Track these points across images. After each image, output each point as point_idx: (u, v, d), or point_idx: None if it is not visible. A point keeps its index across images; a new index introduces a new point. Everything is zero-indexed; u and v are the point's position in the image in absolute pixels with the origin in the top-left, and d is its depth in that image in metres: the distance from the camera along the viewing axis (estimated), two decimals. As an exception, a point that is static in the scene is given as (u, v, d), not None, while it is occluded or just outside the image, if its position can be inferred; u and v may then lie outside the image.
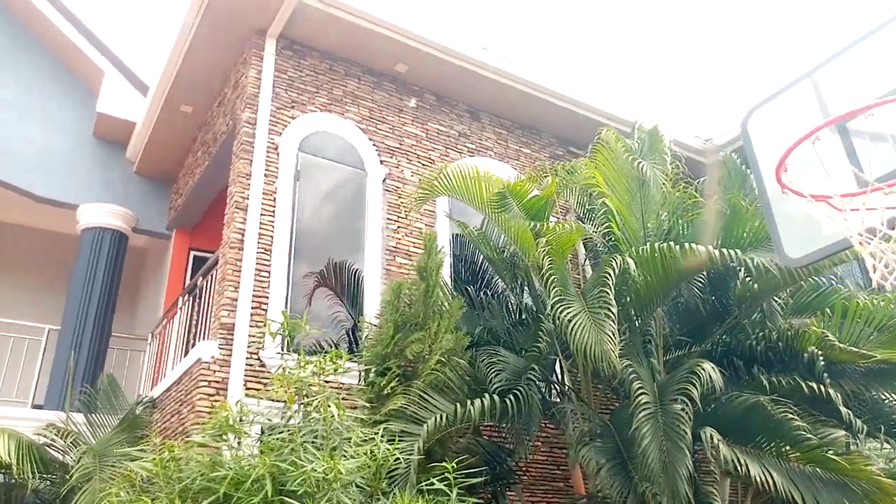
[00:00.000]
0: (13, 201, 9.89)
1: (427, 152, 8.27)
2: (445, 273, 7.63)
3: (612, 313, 4.53)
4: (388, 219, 7.62)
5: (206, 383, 5.97)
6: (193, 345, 7.46)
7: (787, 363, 5.36)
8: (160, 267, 10.39)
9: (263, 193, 6.87)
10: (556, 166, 7.60)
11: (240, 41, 7.72)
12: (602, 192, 5.62)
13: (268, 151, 7.07)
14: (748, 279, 5.47)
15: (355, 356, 6.28)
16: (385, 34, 7.76)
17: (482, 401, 4.71)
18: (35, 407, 8.52)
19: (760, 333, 5.51)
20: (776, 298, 5.77)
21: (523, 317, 6.49)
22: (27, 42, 9.92)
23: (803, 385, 5.00)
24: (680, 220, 5.69)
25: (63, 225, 10.52)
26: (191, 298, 7.84)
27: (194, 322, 7.53)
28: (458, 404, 4.63)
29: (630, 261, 4.84)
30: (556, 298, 4.79)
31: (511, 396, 4.82)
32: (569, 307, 4.72)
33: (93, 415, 7.38)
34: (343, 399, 6.14)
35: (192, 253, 10.23)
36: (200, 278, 7.61)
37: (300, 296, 6.81)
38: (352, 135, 7.78)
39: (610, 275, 4.72)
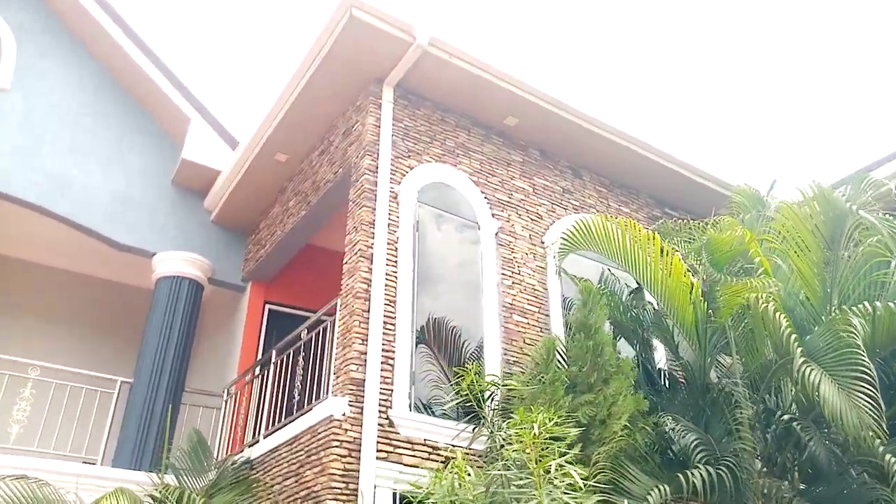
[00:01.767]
0: (88, 251, 9.60)
1: (535, 207, 8.02)
2: (560, 333, 7.28)
3: (871, 377, 4.14)
4: (503, 274, 7.29)
5: (337, 443, 5.50)
6: (300, 403, 7.02)
7: None
8: (231, 320, 9.97)
9: (388, 243, 6.56)
10: (678, 225, 7.31)
11: (353, 89, 7.57)
12: (776, 248, 5.32)
13: (389, 200, 6.80)
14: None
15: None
16: (499, 85, 7.62)
17: (701, 474, 4.27)
18: (110, 465, 7.95)
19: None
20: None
21: (668, 380, 6.08)
22: (110, 86, 9.80)
23: None
24: (864, 281, 5.36)
25: (134, 277, 10.21)
26: (286, 355, 7.42)
27: (299, 378, 7.10)
28: (681, 476, 4.19)
29: (856, 321, 4.50)
30: (803, 361, 4.38)
31: (722, 469, 4.38)
32: (811, 368, 4.33)
33: (187, 477, 6.85)
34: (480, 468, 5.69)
35: (268, 306, 9.85)
36: (305, 332, 7.21)
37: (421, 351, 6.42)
38: (465, 187, 7.54)
39: (857, 332, 4.36)
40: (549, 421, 3.57)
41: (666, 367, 7.11)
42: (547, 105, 7.94)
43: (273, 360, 7.62)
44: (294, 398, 7.02)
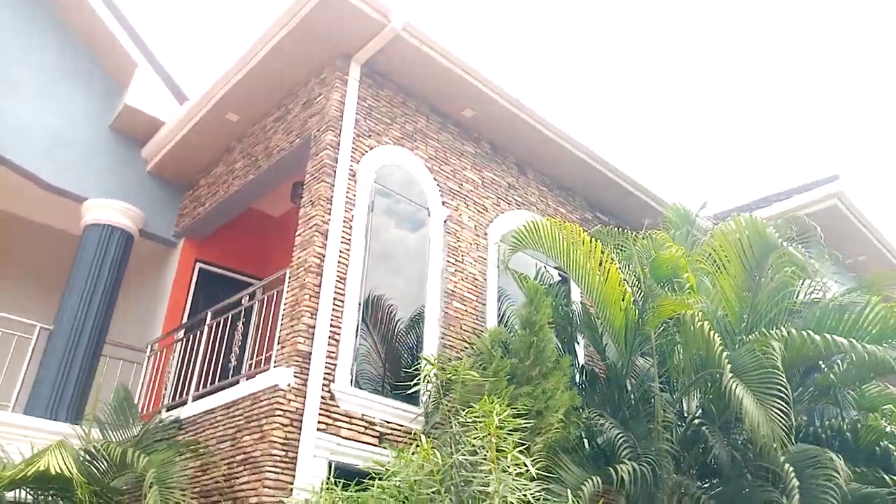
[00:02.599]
0: (18, 190, 9.14)
1: (482, 199, 8.32)
2: (493, 323, 7.66)
3: (786, 395, 4.71)
4: (447, 261, 7.57)
5: (281, 412, 5.65)
6: (236, 368, 7.08)
7: (854, 452, 5.70)
8: (159, 275, 9.78)
9: (343, 220, 6.69)
10: (611, 233, 7.80)
11: (319, 61, 7.57)
12: (704, 269, 5.85)
13: (348, 178, 6.91)
14: (829, 370, 5.81)
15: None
16: (462, 76, 7.82)
17: (628, 469, 4.72)
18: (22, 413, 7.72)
19: (827, 422, 5.84)
20: (850, 391, 6.16)
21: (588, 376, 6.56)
22: (54, 23, 9.32)
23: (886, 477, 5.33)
24: (776, 308, 5.99)
25: (62, 221, 9.82)
26: (222, 318, 7.42)
27: (237, 343, 7.14)
28: (611, 469, 4.62)
29: (775, 344, 5.07)
30: (731, 377, 4.89)
31: (645, 465, 4.86)
32: (737, 383, 4.85)
33: (111, 431, 6.79)
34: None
35: (199, 265, 9.72)
36: (247, 298, 7.25)
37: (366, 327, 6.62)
38: (419, 172, 7.74)
39: (776, 353, 4.91)
40: (503, 413, 3.88)
41: (584, 364, 7.64)
42: (503, 101, 8.22)
43: (208, 321, 7.59)
44: (230, 363, 7.05)
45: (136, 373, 8.76)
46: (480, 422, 3.74)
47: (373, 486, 3.91)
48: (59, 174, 8.86)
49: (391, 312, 7.10)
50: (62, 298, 8.52)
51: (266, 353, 6.72)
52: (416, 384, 6.37)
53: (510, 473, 3.68)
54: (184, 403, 7.21)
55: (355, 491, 3.93)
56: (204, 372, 7.36)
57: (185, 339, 8.15)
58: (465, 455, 3.64)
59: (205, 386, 7.17)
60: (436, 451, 3.69)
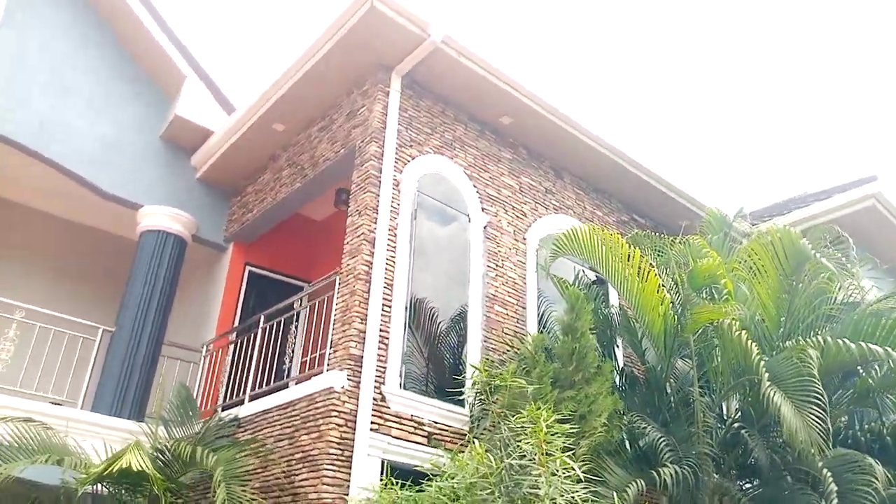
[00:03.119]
0: (74, 196, 9.65)
1: (520, 205, 8.56)
2: (534, 326, 7.92)
3: (823, 402, 4.92)
4: (488, 266, 7.84)
5: (336, 413, 5.99)
6: (289, 371, 7.45)
7: (894, 456, 5.84)
8: (210, 278, 10.22)
9: (389, 228, 6.99)
10: (649, 238, 7.98)
11: (362, 73, 7.87)
12: (742, 276, 6.04)
13: (392, 187, 7.21)
14: (868, 375, 5.97)
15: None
16: (499, 85, 8.05)
17: (671, 472, 4.97)
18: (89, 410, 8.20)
19: (867, 426, 6.00)
20: (889, 395, 6.30)
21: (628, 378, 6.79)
22: (107, 37, 9.76)
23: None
24: (813, 314, 6.15)
25: (117, 226, 10.35)
26: (280, 322, 7.79)
27: (290, 346, 7.51)
28: (655, 473, 4.87)
29: (812, 352, 5.25)
30: (769, 385, 5.11)
31: (687, 469, 5.10)
32: (775, 391, 5.06)
33: (174, 429, 7.22)
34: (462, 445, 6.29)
35: (248, 268, 10.15)
36: (298, 302, 7.61)
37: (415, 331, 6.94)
38: (459, 179, 8.00)
39: (812, 362, 5.11)
40: (550, 419, 4.15)
41: (624, 366, 7.86)
42: (539, 108, 8.43)
43: (261, 324, 7.98)
44: (284, 364, 7.43)
45: (192, 372, 9.22)
46: (529, 427, 4.02)
47: (428, 486, 4.21)
48: (115, 183, 9.31)
49: (433, 315, 7.39)
50: (122, 301, 9.00)
51: (319, 351, 7.07)
52: (462, 388, 6.74)
53: (559, 476, 3.95)
54: (240, 403, 7.61)
55: (413, 491, 4.24)
56: (260, 372, 7.77)
57: (238, 341, 8.57)
58: (515, 459, 3.91)
59: (260, 386, 7.57)
60: (489, 454, 3.97)
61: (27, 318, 8.21)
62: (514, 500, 3.90)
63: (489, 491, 3.87)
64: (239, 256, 10.05)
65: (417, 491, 4.22)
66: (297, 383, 6.67)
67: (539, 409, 4.24)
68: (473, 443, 4.13)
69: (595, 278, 8.51)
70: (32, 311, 8.27)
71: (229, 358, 8.67)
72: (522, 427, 4.26)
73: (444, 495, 3.94)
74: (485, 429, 6.04)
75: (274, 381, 7.36)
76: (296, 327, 7.72)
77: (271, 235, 10.16)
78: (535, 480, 3.94)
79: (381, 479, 4.63)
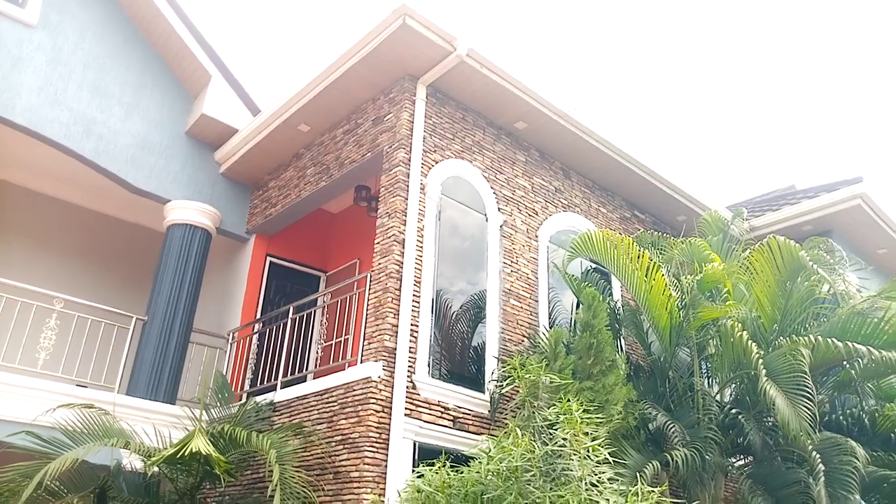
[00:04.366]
0: (106, 190, 10.11)
1: (533, 204, 9.15)
2: (545, 318, 8.55)
3: (812, 395, 5.59)
4: (504, 262, 8.43)
5: (374, 401, 6.60)
6: (317, 361, 8.02)
7: (871, 438, 6.58)
8: (233, 268, 10.73)
9: (417, 230, 7.55)
10: (653, 237, 8.61)
11: (388, 81, 8.38)
12: (741, 279, 6.69)
13: (419, 191, 7.76)
14: (851, 367, 6.68)
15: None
16: (515, 93, 8.59)
17: (682, 454, 5.64)
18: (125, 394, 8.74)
19: (848, 411, 6.71)
20: (869, 384, 7.01)
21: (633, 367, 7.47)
22: (136, 38, 10.15)
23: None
24: (804, 313, 6.83)
25: (145, 218, 10.84)
26: (307, 314, 8.35)
27: (322, 336, 8.08)
28: (669, 455, 5.53)
29: (804, 350, 5.93)
30: (766, 380, 5.78)
31: (695, 451, 5.78)
32: (772, 385, 5.73)
33: (213, 413, 7.79)
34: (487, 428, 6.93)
35: (269, 259, 10.67)
36: (328, 297, 8.17)
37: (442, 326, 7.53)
38: (477, 182, 8.56)
39: (804, 358, 5.77)
40: (579, 410, 4.78)
41: (627, 354, 8.52)
42: (551, 114, 8.98)
43: (291, 315, 8.54)
44: (316, 353, 8.00)
45: (218, 358, 9.78)
46: (563, 416, 4.65)
47: (471, 468, 4.82)
48: (146, 178, 9.78)
49: (455, 308, 7.97)
50: (153, 291, 9.50)
51: (342, 337, 7.66)
52: (482, 375, 7.36)
53: (591, 460, 4.59)
54: (271, 389, 8.19)
55: (457, 473, 4.84)
56: (290, 359, 8.35)
57: (264, 329, 9.14)
58: (553, 445, 4.54)
59: (291, 373, 8.16)
60: (532, 442, 4.59)
61: (65, 309, 8.70)
62: (553, 479, 4.52)
63: (532, 473, 4.48)
64: (261, 248, 10.57)
65: (459, 473, 4.83)
66: (334, 372, 7.25)
67: (569, 401, 4.85)
68: (516, 430, 4.74)
69: (592, 268, 9.14)
70: (70, 301, 8.76)
71: (254, 345, 9.24)
72: (556, 416, 4.89)
73: (493, 476, 4.55)
74: (510, 412, 6.67)
75: (302, 370, 7.94)
76: (326, 319, 8.29)
77: (290, 227, 10.67)
78: (568, 463, 4.57)
79: (418, 462, 5.21)
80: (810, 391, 5.70)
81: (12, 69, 8.90)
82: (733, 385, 7.13)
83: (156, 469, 6.54)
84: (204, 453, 5.49)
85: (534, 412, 5.11)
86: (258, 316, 10.01)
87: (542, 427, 4.96)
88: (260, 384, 8.79)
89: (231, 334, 9.77)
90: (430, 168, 8.06)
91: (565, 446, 4.68)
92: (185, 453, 5.43)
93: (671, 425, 6.19)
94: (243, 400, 8.51)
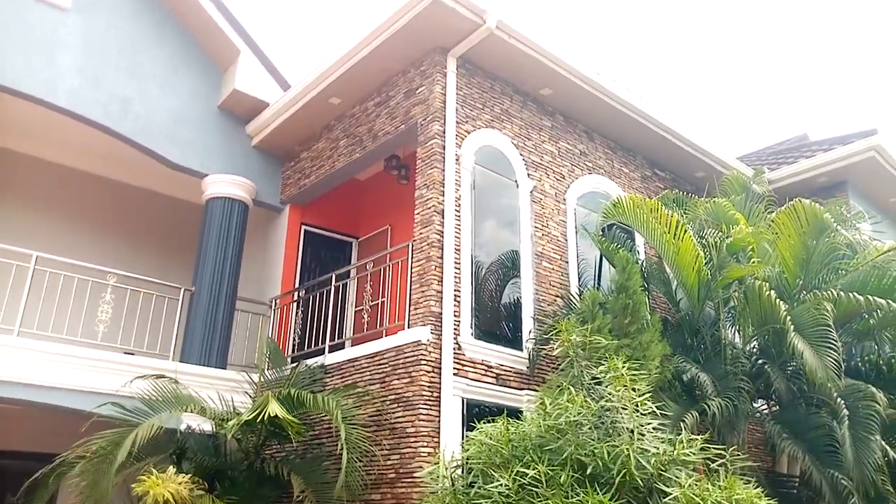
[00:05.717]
0: (143, 167, 10.49)
1: (559, 168, 9.49)
2: (575, 278, 9.00)
3: (836, 346, 6.09)
4: (535, 227, 8.83)
5: (425, 362, 7.10)
6: (369, 323, 8.52)
7: (889, 382, 7.09)
8: (270, 238, 11.16)
9: (455, 200, 7.94)
10: (677, 197, 8.98)
11: (419, 54, 8.64)
12: (766, 238, 7.11)
13: (454, 162, 8.11)
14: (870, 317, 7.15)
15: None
16: (540, 60, 8.84)
17: (717, 405, 6.16)
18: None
19: (867, 357, 7.21)
20: (886, 333, 7.50)
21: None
22: (166, 16, 10.36)
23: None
24: (825, 269, 7.26)
25: (183, 192, 11.24)
26: (350, 280, 8.81)
27: (368, 302, 8.56)
28: (706, 405, 6.04)
29: (827, 305, 6.37)
30: (794, 334, 6.24)
31: (729, 401, 6.31)
32: (799, 339, 6.20)
33: (268, 377, 8.32)
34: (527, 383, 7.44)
35: (304, 227, 11.08)
36: (371, 265, 8.63)
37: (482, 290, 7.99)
38: (507, 149, 8.90)
39: (828, 314, 6.23)
40: (624, 366, 5.25)
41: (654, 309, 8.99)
42: (575, 79, 9.24)
43: (334, 282, 9.01)
44: (363, 318, 8.50)
45: (261, 325, 10.29)
46: (611, 374, 5.15)
47: (530, 423, 5.32)
48: (183, 153, 10.13)
49: (492, 272, 8.40)
50: (198, 263, 9.96)
51: (378, 299, 8.16)
52: (520, 334, 7.85)
53: (639, 413, 5.08)
54: (318, 353, 8.71)
55: (517, 428, 5.34)
56: (335, 324, 8.85)
57: (306, 296, 9.62)
58: (605, 401, 5.04)
59: (332, 339, 8.68)
60: (587, 399, 5.08)
61: (119, 283, 9.17)
62: (605, 431, 5.02)
63: (589, 426, 4.98)
64: (295, 217, 10.97)
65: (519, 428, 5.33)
66: (386, 335, 7.76)
67: (615, 359, 5.33)
68: (570, 388, 5.22)
69: (616, 225, 9.52)
70: (123, 276, 9.24)
71: (296, 312, 9.76)
72: (603, 374, 5.37)
73: (551, 430, 5.05)
74: (555, 370, 7.18)
75: (339, 336, 8.48)
76: (372, 287, 8.77)
77: (321, 196, 11.05)
78: (617, 416, 5.07)
79: (467, 416, 5.72)
80: (834, 342, 6.17)
81: (51, 53, 9.18)
82: (757, 337, 7.60)
83: (222, 430, 7.08)
84: (281, 417, 6.01)
85: (582, 371, 5.57)
86: (297, 282, 10.48)
87: (590, 384, 5.44)
88: (307, 348, 9.32)
89: (273, 301, 10.26)
90: (462, 139, 8.39)
91: (612, 401, 5.17)
92: (264, 417, 5.94)
93: (704, 377, 6.69)
94: (293, 364, 9.04)
